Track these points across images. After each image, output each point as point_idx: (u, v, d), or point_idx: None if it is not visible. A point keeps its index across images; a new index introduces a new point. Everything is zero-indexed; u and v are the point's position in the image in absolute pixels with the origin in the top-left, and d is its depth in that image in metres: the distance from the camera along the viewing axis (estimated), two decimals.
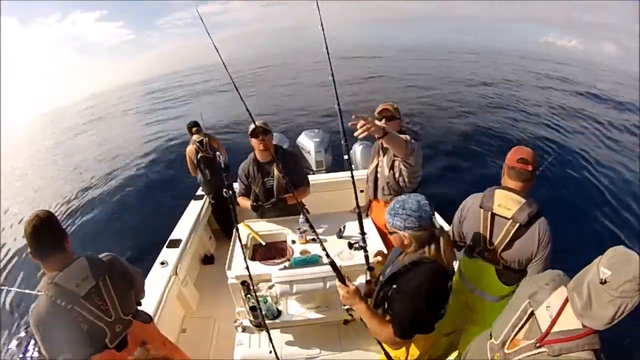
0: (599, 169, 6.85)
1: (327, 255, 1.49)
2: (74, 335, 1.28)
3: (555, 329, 1.04)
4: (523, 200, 1.50)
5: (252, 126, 2.21)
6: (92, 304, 1.31)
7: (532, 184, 1.56)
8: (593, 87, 15.68)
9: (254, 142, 2.29)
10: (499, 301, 1.71)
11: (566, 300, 1.05)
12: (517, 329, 1.15)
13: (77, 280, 1.28)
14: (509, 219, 1.51)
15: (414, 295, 1.22)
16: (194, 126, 3.67)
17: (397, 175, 2.21)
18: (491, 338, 1.27)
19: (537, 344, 1.05)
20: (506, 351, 1.16)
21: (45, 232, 1.26)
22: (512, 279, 1.63)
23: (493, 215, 1.56)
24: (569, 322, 1.02)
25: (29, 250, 1.27)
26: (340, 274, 1.41)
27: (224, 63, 1.94)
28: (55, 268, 1.28)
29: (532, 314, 1.13)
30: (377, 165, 2.35)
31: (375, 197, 2.41)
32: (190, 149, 3.56)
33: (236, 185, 2.94)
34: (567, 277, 1.14)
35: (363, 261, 1.90)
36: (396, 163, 2.18)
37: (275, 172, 2.35)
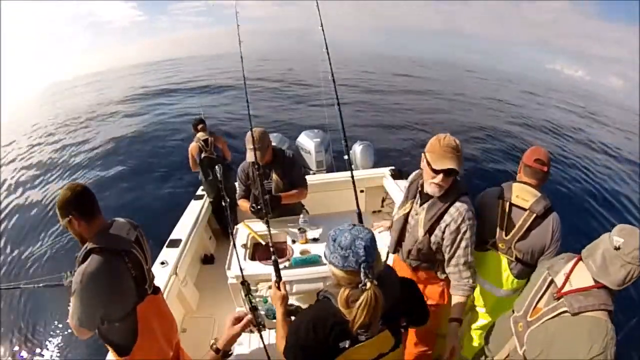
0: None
1: (274, 253, 1.66)
2: (127, 281, 1.43)
3: (569, 288, 1.18)
4: (539, 194, 1.59)
5: (252, 149, 2.17)
6: (139, 249, 1.52)
7: (544, 183, 1.65)
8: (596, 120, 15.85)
9: (251, 152, 2.27)
10: (509, 295, 1.72)
11: (577, 261, 1.22)
12: (538, 297, 1.29)
13: (125, 230, 1.50)
14: (526, 210, 1.59)
15: (297, 327, 1.10)
16: (199, 123, 3.62)
17: (434, 244, 1.60)
18: (513, 313, 1.38)
19: (555, 296, 1.20)
20: (529, 319, 1.27)
21: (90, 196, 1.43)
22: (524, 272, 1.66)
23: (511, 205, 1.63)
24: (581, 281, 1.17)
25: (71, 215, 1.36)
26: (279, 276, 1.51)
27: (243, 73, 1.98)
28: (99, 227, 1.44)
29: (551, 282, 1.26)
30: (407, 214, 1.70)
31: (396, 251, 1.83)
32: (194, 146, 3.53)
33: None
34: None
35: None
36: (439, 230, 1.56)
37: (274, 175, 2.36)
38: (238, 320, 1.22)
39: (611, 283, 1.10)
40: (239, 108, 12.14)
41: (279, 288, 1.40)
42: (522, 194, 1.60)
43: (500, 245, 1.67)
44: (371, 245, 0.99)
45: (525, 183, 1.64)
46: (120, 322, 1.44)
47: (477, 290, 1.81)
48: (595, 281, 1.13)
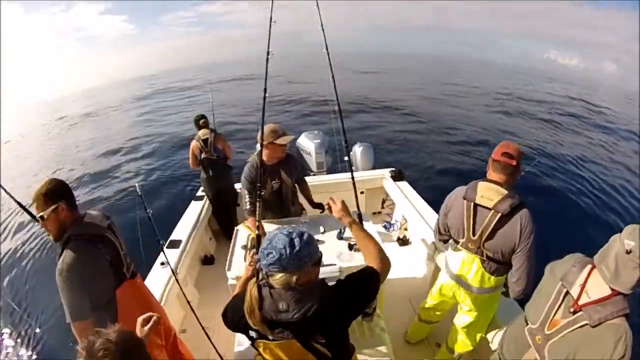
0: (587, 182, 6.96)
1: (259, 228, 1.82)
2: (104, 265, 1.48)
3: (587, 299, 1.15)
4: (505, 192, 1.53)
5: (281, 135, 2.23)
6: (113, 235, 1.59)
7: (515, 178, 1.60)
8: (591, 107, 15.92)
9: (276, 148, 2.27)
10: (488, 293, 1.74)
11: (591, 270, 1.19)
12: (554, 310, 1.24)
13: (99, 219, 1.57)
14: (490, 209, 1.54)
15: (227, 305, 1.21)
16: (201, 119, 3.57)
17: None
18: (527, 324, 1.35)
19: (572, 310, 1.17)
20: (547, 332, 1.25)
21: (70, 188, 1.50)
22: (498, 270, 1.66)
23: (476, 205, 1.59)
24: (598, 290, 1.14)
25: (60, 202, 1.41)
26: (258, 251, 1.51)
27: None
28: (76, 217, 1.50)
29: (567, 293, 1.22)
30: None
31: None
32: (195, 144, 3.49)
33: (238, 186, 2.88)
34: (587, 257, 1.26)
35: (363, 262, 1.90)
36: None
37: (283, 174, 2.37)
38: (146, 321, 1.22)
39: (624, 288, 1.09)
40: (238, 109, 12.16)
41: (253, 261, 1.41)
42: (487, 194, 1.55)
43: (470, 245, 1.66)
44: (279, 255, 0.96)
45: (492, 181, 1.59)
46: (105, 309, 1.48)
47: (458, 290, 1.82)
48: (611, 289, 1.12)
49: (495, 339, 1.93)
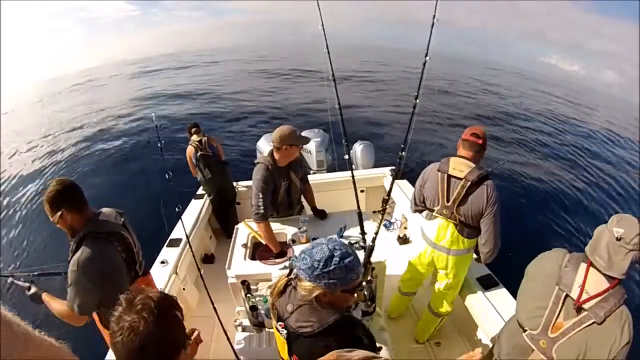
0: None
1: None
2: (118, 263, 1.50)
3: (587, 297, 1.19)
4: (473, 165, 1.82)
5: (301, 138, 2.24)
6: (127, 232, 1.60)
7: (481, 155, 1.88)
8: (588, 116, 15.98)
9: (294, 150, 2.26)
10: (463, 254, 1.99)
11: (588, 268, 1.22)
12: (556, 314, 1.27)
13: (113, 215, 1.59)
14: (461, 179, 1.81)
15: None
16: (193, 127, 3.67)
17: None
18: (525, 330, 1.34)
19: (576, 306, 1.20)
20: (551, 335, 1.26)
21: (77, 188, 1.50)
22: (470, 233, 1.92)
23: (449, 176, 1.86)
24: (596, 285, 1.19)
25: (63, 208, 1.41)
26: None
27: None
28: (88, 216, 1.51)
29: (566, 296, 1.25)
30: None
31: None
32: (190, 149, 3.57)
33: (236, 184, 2.84)
34: (574, 252, 1.31)
35: (361, 260, 1.89)
36: None
37: (293, 175, 2.37)
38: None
39: (618, 273, 1.15)
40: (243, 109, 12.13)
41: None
42: (458, 166, 1.83)
43: (444, 211, 1.91)
44: (311, 265, 0.97)
45: (462, 156, 1.85)
46: None
47: (436, 255, 2.04)
48: (607, 277, 1.17)
49: (481, 333, 1.98)
